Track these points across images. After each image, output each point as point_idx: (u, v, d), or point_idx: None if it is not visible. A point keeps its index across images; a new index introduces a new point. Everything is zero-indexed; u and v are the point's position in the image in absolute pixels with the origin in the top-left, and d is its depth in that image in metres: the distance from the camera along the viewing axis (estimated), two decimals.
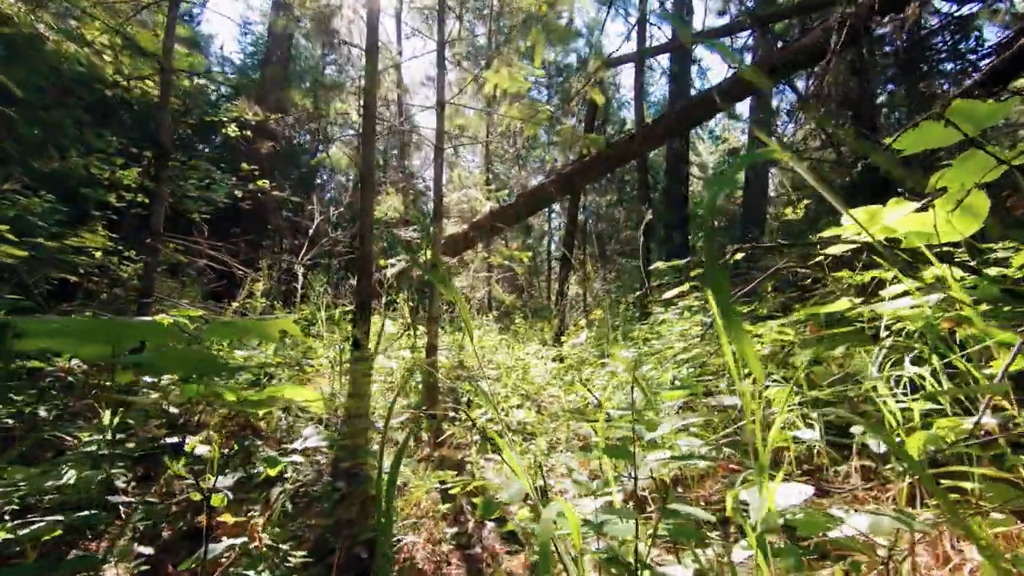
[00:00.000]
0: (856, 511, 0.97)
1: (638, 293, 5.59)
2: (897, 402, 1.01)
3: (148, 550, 1.24)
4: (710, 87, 5.37)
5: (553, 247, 15.57)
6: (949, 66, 5.61)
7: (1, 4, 3.11)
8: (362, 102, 4.79)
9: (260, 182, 5.56)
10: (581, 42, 15.45)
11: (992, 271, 1.40)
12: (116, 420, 1.52)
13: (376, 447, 2.07)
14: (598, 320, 4.28)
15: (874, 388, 1.11)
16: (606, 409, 1.05)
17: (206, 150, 9.49)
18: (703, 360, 2.17)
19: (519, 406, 2.95)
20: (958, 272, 1.61)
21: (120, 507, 1.44)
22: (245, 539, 1.13)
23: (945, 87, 5.12)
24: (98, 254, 4.18)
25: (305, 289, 4.43)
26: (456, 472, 2.21)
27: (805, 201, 2.50)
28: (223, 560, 1.17)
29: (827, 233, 1.75)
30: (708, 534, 0.85)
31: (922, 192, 1.61)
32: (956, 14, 5.05)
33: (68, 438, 1.60)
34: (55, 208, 3.81)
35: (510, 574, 1.48)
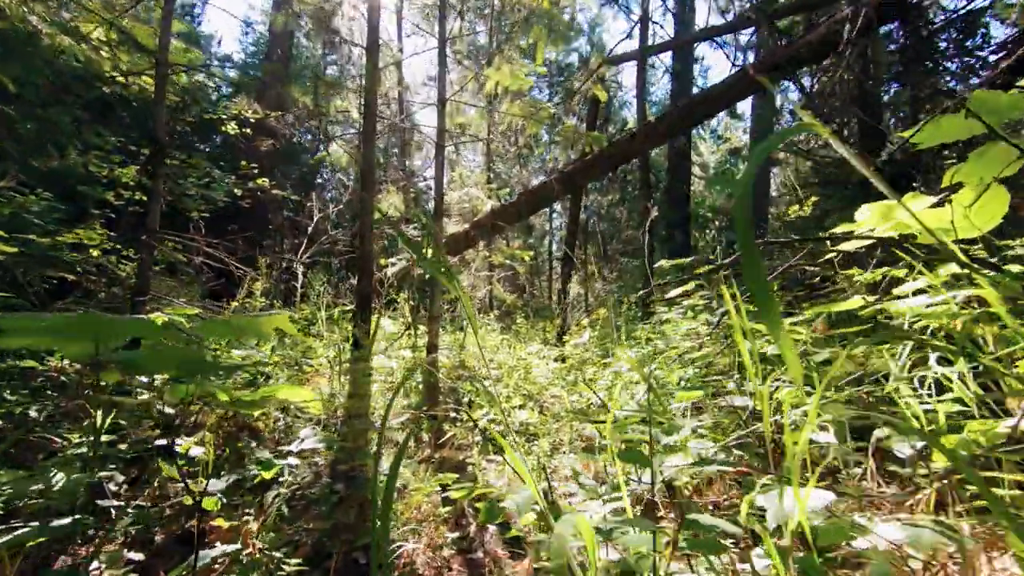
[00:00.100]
0: (880, 518, 0.92)
1: (641, 292, 5.54)
2: (920, 403, 0.96)
3: (138, 556, 1.19)
4: (713, 84, 5.32)
5: (554, 247, 15.52)
6: (955, 64, 5.55)
7: None
8: (363, 100, 4.75)
9: (260, 180, 5.51)
10: (583, 40, 15.42)
11: (1014, 268, 1.35)
12: (108, 421, 1.48)
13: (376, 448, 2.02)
14: (601, 319, 4.24)
15: (895, 389, 1.06)
16: (613, 410, 1.01)
17: (206, 149, 9.45)
18: (709, 360, 2.12)
19: (521, 406, 2.90)
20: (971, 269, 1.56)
21: (112, 511, 1.40)
22: (238, 546, 1.08)
23: (952, 84, 5.06)
24: (96, 252, 4.14)
25: (305, 288, 4.38)
26: (457, 474, 2.17)
27: (813, 198, 2.45)
28: (215, 568, 1.13)
29: (840, 229, 1.70)
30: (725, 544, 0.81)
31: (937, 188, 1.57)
32: (963, 11, 4.99)
33: (57, 440, 1.55)
34: (53, 206, 3.77)
35: None
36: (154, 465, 1.61)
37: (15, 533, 0.88)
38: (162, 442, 1.49)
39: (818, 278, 2.36)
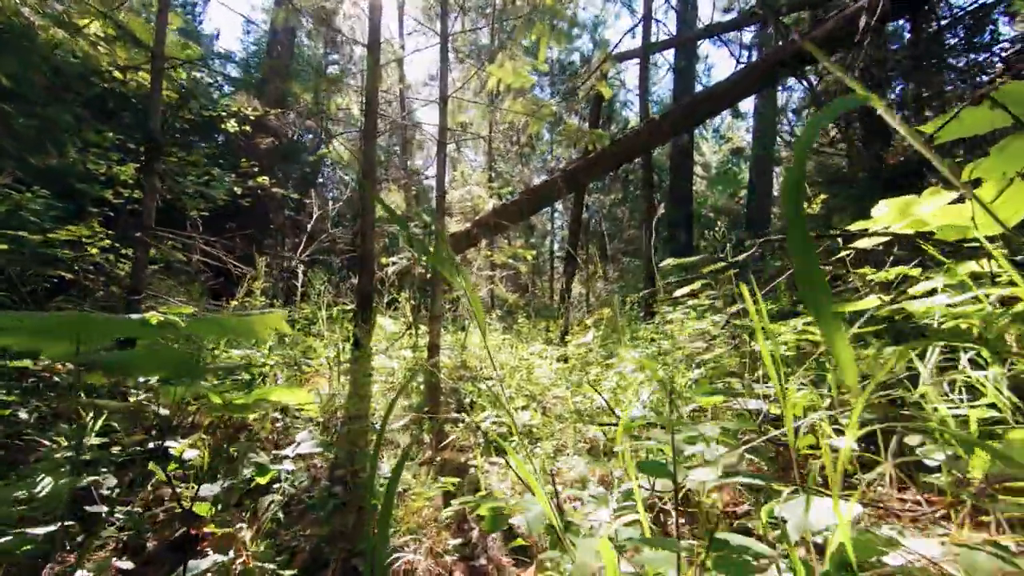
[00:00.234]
0: (909, 531, 0.87)
1: (644, 292, 5.49)
2: (950, 408, 0.91)
3: (127, 564, 1.15)
4: (718, 82, 5.27)
5: (556, 246, 15.46)
6: (962, 62, 5.48)
7: None
8: (364, 98, 4.71)
9: (260, 179, 5.47)
10: (585, 39, 15.36)
11: None
12: (99, 423, 1.43)
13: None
14: (606, 319, 4.18)
15: (922, 394, 1.01)
16: (625, 412, 0.96)
17: (206, 148, 9.41)
18: (718, 362, 2.07)
19: (524, 408, 2.85)
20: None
21: (103, 516, 1.35)
22: (231, 555, 1.04)
23: (960, 82, 4.99)
24: (94, 251, 4.10)
25: (306, 287, 4.34)
26: (459, 476, 2.12)
27: (821, 196, 2.39)
28: None
29: (856, 226, 1.65)
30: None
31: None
32: (972, 6, 4.92)
33: (47, 442, 1.51)
34: (50, 204, 3.73)
35: None
36: (147, 468, 1.57)
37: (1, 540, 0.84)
38: (162, 444, 1.44)
39: (828, 276, 2.31)
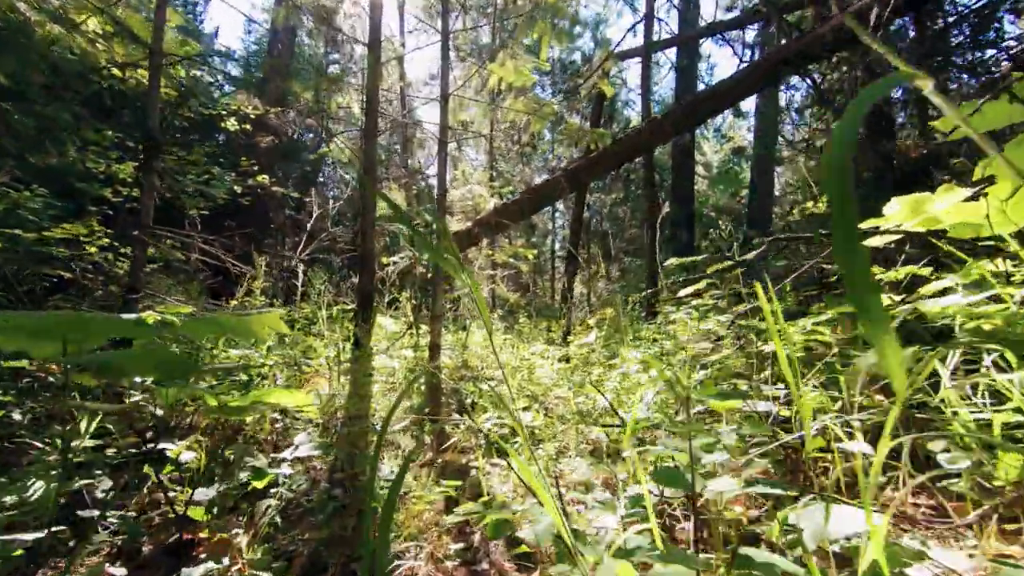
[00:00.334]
0: (931, 539, 0.84)
1: (646, 292, 5.45)
2: (972, 413, 0.88)
3: (121, 571, 1.12)
4: (721, 80, 5.23)
5: (557, 246, 15.42)
6: (964, 60, 5.44)
7: None
8: (364, 97, 4.67)
9: (260, 178, 5.44)
10: (587, 37, 15.32)
11: None
12: (94, 425, 1.40)
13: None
14: (608, 319, 4.15)
15: (943, 399, 0.97)
16: (633, 413, 0.93)
17: (207, 147, 9.38)
18: (723, 362, 2.03)
19: (526, 408, 2.82)
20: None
21: (95, 520, 1.32)
22: (226, 562, 1.01)
23: (966, 79, 4.95)
24: (93, 249, 4.07)
25: (306, 286, 4.31)
26: (460, 478, 2.09)
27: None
28: None
29: (865, 224, 1.61)
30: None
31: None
32: (979, 4, 4.88)
33: (39, 444, 1.48)
34: (49, 203, 3.71)
35: None
36: (143, 470, 1.54)
37: None
38: (157, 446, 1.41)
39: (834, 276, 2.27)
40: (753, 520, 1.14)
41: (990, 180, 1.48)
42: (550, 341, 4.71)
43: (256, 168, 5.43)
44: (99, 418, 1.42)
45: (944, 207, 1.46)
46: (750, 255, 1.96)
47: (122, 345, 1.83)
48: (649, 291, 5.33)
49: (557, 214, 16.02)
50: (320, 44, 13.23)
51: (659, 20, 9.03)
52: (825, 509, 0.67)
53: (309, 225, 6.34)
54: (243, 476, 1.24)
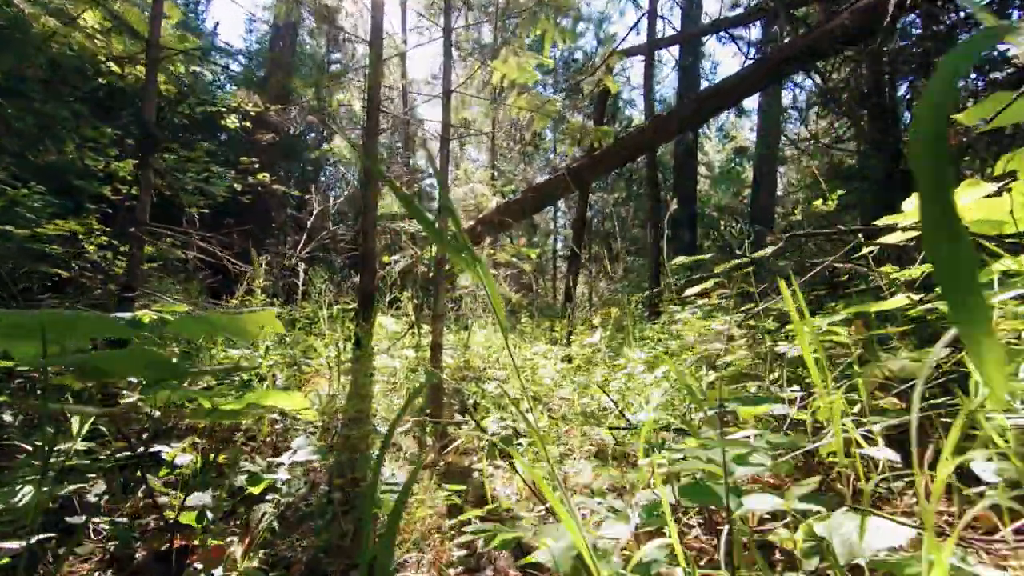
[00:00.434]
0: (972, 556, 0.79)
1: (649, 292, 5.40)
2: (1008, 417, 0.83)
3: None
4: (725, 78, 5.17)
5: (559, 245, 15.36)
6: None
7: None
8: (366, 95, 4.63)
9: (261, 176, 5.39)
10: (589, 35, 15.26)
11: None
12: (87, 427, 1.36)
13: (378, 454, 1.90)
14: (613, 319, 4.10)
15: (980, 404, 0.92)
16: (647, 415, 0.89)
17: (207, 145, 9.35)
18: (732, 364, 1.98)
19: (528, 409, 2.78)
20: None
21: (82, 527, 1.28)
22: (220, 572, 0.96)
23: (973, 78, 4.89)
24: (91, 247, 4.03)
25: (306, 285, 4.27)
26: (463, 481, 2.04)
27: (838, 191, 2.31)
28: None
29: (882, 221, 1.56)
30: None
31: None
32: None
33: (29, 447, 1.43)
34: (48, 201, 3.67)
35: None
36: (138, 474, 1.49)
37: None
38: (151, 449, 1.37)
39: (846, 275, 2.22)
40: (766, 530, 1.10)
41: (1011, 175, 1.43)
42: (553, 341, 4.66)
43: (257, 166, 5.38)
44: (91, 420, 1.37)
45: (966, 203, 1.41)
46: (766, 252, 1.92)
47: (118, 345, 1.79)
48: (652, 291, 5.28)
49: (559, 213, 15.96)
50: (322, 42, 13.20)
51: (662, 18, 8.99)
52: (861, 522, 0.62)
53: (310, 224, 6.30)
54: (238, 482, 1.20)
